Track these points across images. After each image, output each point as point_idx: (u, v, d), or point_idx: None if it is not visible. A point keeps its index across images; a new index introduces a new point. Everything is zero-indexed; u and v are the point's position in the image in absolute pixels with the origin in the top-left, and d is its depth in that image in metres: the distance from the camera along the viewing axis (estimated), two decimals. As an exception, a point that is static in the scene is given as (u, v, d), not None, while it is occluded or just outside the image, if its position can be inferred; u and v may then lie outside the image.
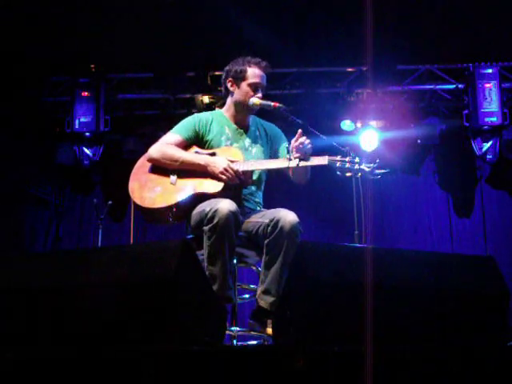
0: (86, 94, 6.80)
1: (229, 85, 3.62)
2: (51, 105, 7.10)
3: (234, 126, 3.63)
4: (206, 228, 3.18)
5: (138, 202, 3.40)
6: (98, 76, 6.89)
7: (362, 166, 3.31)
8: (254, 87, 3.55)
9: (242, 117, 3.65)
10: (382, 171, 3.37)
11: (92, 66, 6.85)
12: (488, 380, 2.22)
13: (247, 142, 3.60)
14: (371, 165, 3.33)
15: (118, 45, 6.42)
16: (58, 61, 6.67)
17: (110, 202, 6.12)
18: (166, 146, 3.50)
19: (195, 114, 3.67)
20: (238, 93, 3.59)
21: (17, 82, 6.63)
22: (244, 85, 3.56)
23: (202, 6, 5.84)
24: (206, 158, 3.44)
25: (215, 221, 3.13)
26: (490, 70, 6.70)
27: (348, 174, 3.34)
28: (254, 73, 3.56)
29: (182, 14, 6.02)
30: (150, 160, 3.50)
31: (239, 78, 3.57)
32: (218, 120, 3.62)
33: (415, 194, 7.45)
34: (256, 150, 3.60)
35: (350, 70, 7.06)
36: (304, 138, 3.36)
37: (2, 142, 6.58)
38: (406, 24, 6.20)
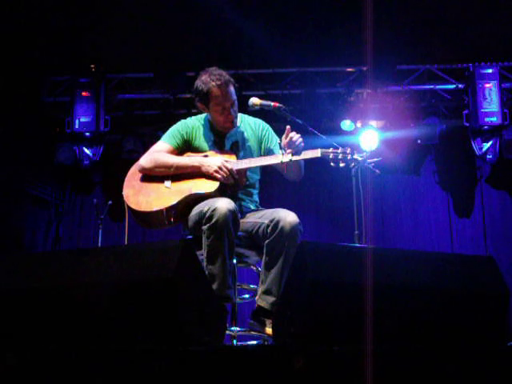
0: (86, 93, 6.80)
1: (200, 107, 3.56)
2: (51, 105, 7.10)
3: (220, 130, 3.59)
4: (204, 227, 3.18)
5: (135, 206, 3.39)
6: (98, 76, 6.89)
7: (355, 156, 3.34)
8: (223, 107, 3.48)
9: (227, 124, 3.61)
10: (375, 159, 3.42)
11: (92, 66, 6.85)
12: (488, 380, 2.22)
13: (235, 144, 3.59)
14: (363, 154, 3.36)
15: (118, 45, 6.42)
16: (58, 61, 6.67)
17: (110, 202, 6.12)
18: (157, 154, 3.50)
19: (181, 121, 3.65)
20: (211, 114, 3.55)
21: (17, 81, 6.62)
22: (212, 106, 3.49)
23: (202, 6, 5.84)
24: (199, 159, 3.44)
25: (214, 220, 3.13)
26: (490, 70, 6.70)
27: (342, 165, 3.36)
28: (216, 94, 3.45)
29: (182, 14, 6.02)
30: (142, 171, 3.49)
31: (205, 100, 3.49)
32: (203, 125, 3.60)
33: (415, 194, 7.45)
34: (244, 151, 3.58)
35: (349, 70, 7.07)
36: (293, 133, 3.36)
37: (2, 142, 6.58)
38: (405, 24, 6.21)
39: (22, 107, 6.75)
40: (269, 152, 3.61)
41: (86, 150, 6.92)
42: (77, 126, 6.77)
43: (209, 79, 3.47)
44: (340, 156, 3.35)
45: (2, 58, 6.26)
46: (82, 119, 6.77)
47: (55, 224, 7.32)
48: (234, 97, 3.51)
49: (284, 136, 3.37)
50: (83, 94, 6.80)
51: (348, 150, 3.36)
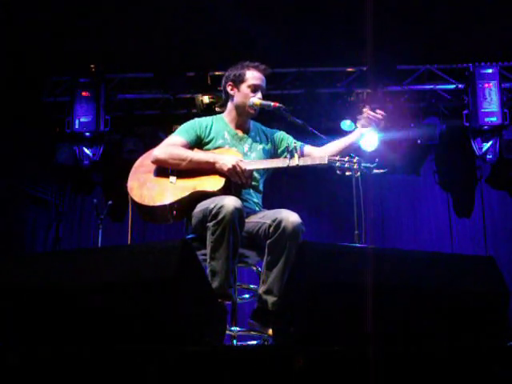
0: (86, 93, 6.80)
1: (229, 88, 3.63)
2: (51, 105, 7.10)
3: (234, 131, 3.63)
4: (210, 224, 3.18)
5: (138, 199, 3.40)
6: (98, 76, 6.89)
7: (361, 166, 3.34)
8: (254, 89, 3.57)
9: (243, 121, 3.65)
10: (381, 171, 3.41)
11: (92, 65, 6.85)
12: (488, 380, 2.22)
13: (246, 146, 3.60)
14: (370, 164, 3.36)
15: (118, 45, 6.42)
16: (58, 61, 6.67)
17: (110, 202, 6.12)
18: (171, 146, 3.50)
19: (196, 118, 3.67)
20: (239, 95, 3.60)
21: (17, 81, 6.62)
22: (244, 87, 3.58)
23: (202, 6, 5.84)
24: (214, 155, 3.44)
25: (220, 216, 3.12)
26: (490, 70, 6.70)
27: (348, 173, 3.37)
28: (253, 75, 3.59)
29: (182, 15, 6.02)
30: (155, 161, 3.48)
31: (239, 80, 3.59)
32: (217, 124, 3.63)
33: (415, 194, 7.45)
34: (255, 154, 3.59)
35: (349, 70, 7.07)
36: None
37: (2, 142, 6.58)
38: (406, 24, 6.21)
39: (22, 107, 6.75)
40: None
41: (86, 150, 6.92)
42: (77, 126, 6.77)
43: (246, 66, 3.62)
44: (346, 165, 3.36)
45: (2, 58, 6.26)
46: (82, 119, 6.77)
47: (55, 224, 7.31)
48: (265, 86, 3.64)
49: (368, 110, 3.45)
50: (83, 94, 6.80)
51: (355, 160, 3.36)
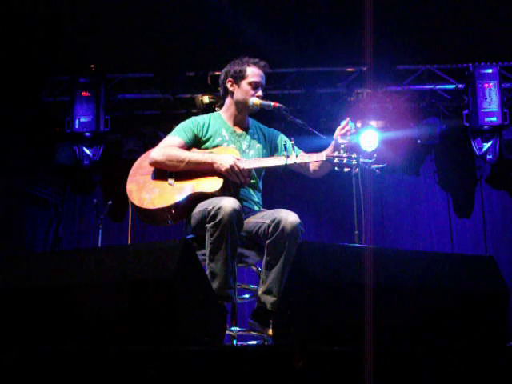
0: (86, 93, 6.80)
1: (228, 85, 3.62)
2: (51, 105, 7.10)
3: (232, 128, 3.62)
4: (208, 225, 3.17)
5: (137, 203, 3.39)
6: (98, 76, 6.89)
7: (360, 161, 3.34)
8: (255, 86, 3.57)
9: (241, 118, 3.64)
10: (380, 166, 3.41)
11: (92, 65, 6.85)
12: (488, 380, 2.22)
13: (244, 144, 3.59)
14: (368, 160, 3.36)
15: (118, 45, 6.42)
16: (58, 61, 6.67)
17: (109, 202, 6.13)
18: (169, 148, 3.48)
19: (193, 117, 3.66)
20: (239, 92, 3.59)
21: (17, 81, 6.63)
22: (244, 84, 3.57)
23: (202, 6, 5.84)
24: (212, 156, 3.43)
25: (218, 218, 3.12)
26: (490, 70, 6.70)
27: (346, 170, 3.36)
28: (253, 72, 3.58)
29: (182, 14, 6.03)
30: (153, 164, 3.47)
31: (239, 77, 3.58)
32: (215, 122, 3.61)
33: (415, 193, 7.45)
34: (253, 152, 3.58)
35: (349, 70, 7.07)
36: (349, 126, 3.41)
37: (2, 141, 6.58)
38: (406, 24, 6.21)
39: (21, 107, 6.75)
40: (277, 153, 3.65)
41: (86, 150, 6.92)
42: (77, 126, 6.77)
43: (246, 62, 3.60)
44: (345, 161, 3.35)
45: (3, 58, 6.26)
46: (82, 119, 6.77)
47: (55, 224, 7.31)
48: (265, 83, 3.63)
49: (340, 127, 3.42)
50: (83, 93, 6.80)
51: (353, 155, 3.36)
